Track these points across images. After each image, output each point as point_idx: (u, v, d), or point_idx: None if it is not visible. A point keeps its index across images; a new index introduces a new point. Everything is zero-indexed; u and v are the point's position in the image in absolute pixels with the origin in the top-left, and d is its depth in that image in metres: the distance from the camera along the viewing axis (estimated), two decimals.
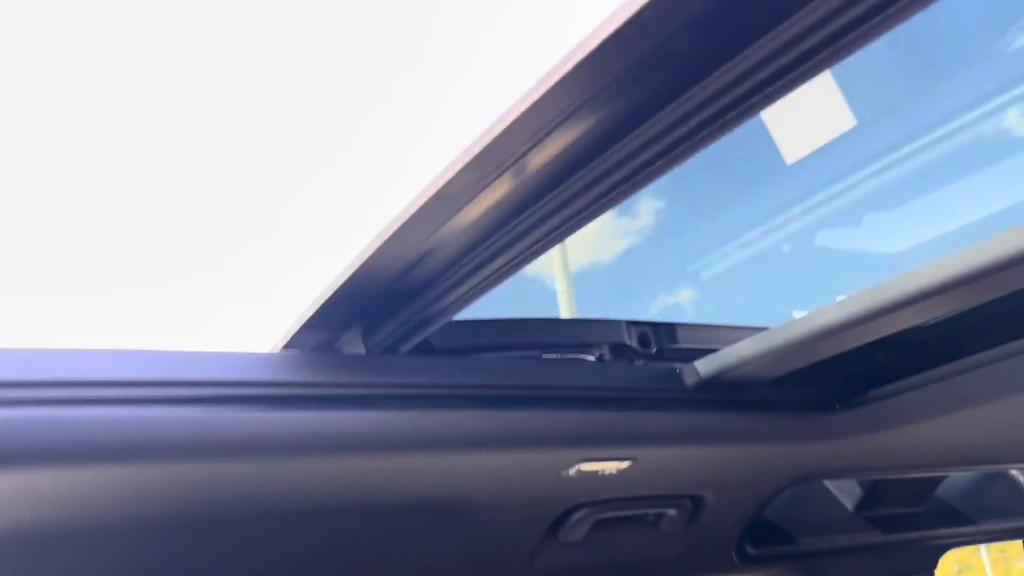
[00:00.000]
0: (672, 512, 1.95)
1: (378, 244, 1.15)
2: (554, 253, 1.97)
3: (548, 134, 0.95)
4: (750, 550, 2.19)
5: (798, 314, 1.53)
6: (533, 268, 1.85)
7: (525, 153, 0.97)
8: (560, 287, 1.90)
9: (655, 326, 1.70)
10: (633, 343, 1.66)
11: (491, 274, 1.23)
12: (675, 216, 1.86)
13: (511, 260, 1.21)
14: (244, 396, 1.23)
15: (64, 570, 1.28)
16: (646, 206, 1.81)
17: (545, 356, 1.58)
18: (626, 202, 1.19)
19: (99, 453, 1.11)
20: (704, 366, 1.61)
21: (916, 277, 1.31)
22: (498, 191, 1.02)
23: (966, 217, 1.97)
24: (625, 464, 1.63)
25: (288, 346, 1.32)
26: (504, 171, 0.99)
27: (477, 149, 0.92)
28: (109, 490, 1.18)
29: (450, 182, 0.97)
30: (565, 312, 1.95)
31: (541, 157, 0.98)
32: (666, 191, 1.81)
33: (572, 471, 1.59)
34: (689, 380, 1.62)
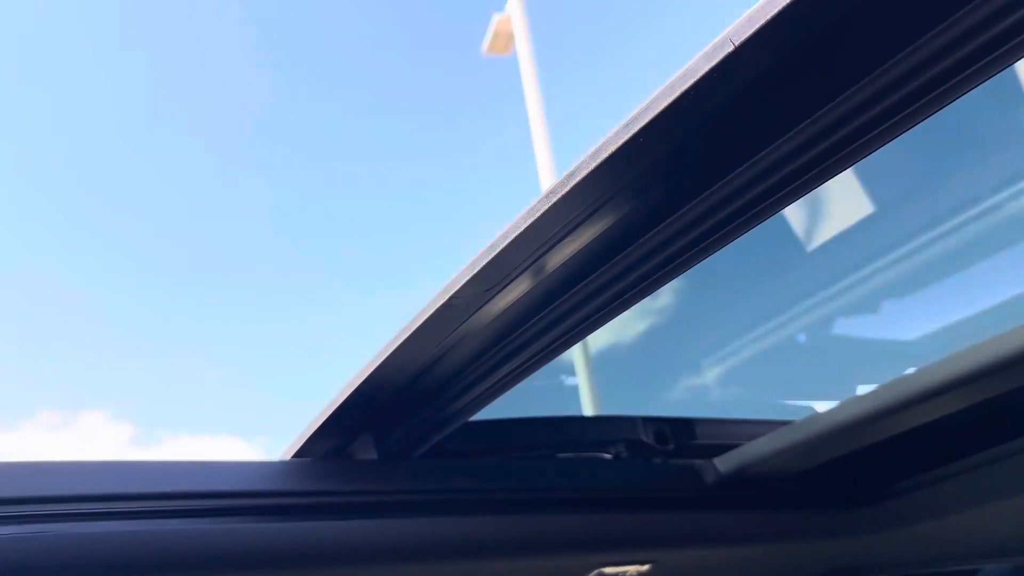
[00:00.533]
0: None
1: (389, 352, 1.15)
2: (575, 348, 1.96)
3: (558, 242, 0.94)
4: None
5: (819, 407, 1.49)
6: (556, 364, 1.83)
7: (536, 259, 0.96)
8: (581, 379, 1.88)
9: (672, 422, 1.66)
10: (650, 440, 1.62)
11: (502, 378, 1.21)
12: (692, 307, 1.84)
13: (523, 364, 1.20)
14: (253, 507, 1.20)
15: None
16: (662, 296, 1.80)
17: (560, 456, 1.55)
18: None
19: (110, 569, 1.09)
20: (723, 463, 1.57)
21: (942, 368, 1.28)
22: (506, 299, 1.02)
23: (985, 302, 1.94)
24: (646, 568, 1.57)
25: (299, 454, 1.30)
26: (512, 280, 0.99)
27: (483, 262, 0.92)
28: None
29: (457, 293, 0.96)
30: (586, 402, 1.93)
31: (552, 262, 0.97)
32: (682, 281, 1.80)
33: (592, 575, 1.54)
34: (708, 478, 1.58)
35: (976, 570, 2.47)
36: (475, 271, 0.92)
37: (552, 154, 5.61)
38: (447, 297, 0.96)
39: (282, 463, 1.29)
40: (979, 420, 1.75)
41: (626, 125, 0.79)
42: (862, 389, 1.44)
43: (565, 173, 0.83)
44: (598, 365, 1.83)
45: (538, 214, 0.85)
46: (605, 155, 0.80)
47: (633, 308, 1.13)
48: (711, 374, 1.89)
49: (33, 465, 1.12)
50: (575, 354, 2.05)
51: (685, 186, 0.90)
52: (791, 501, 1.68)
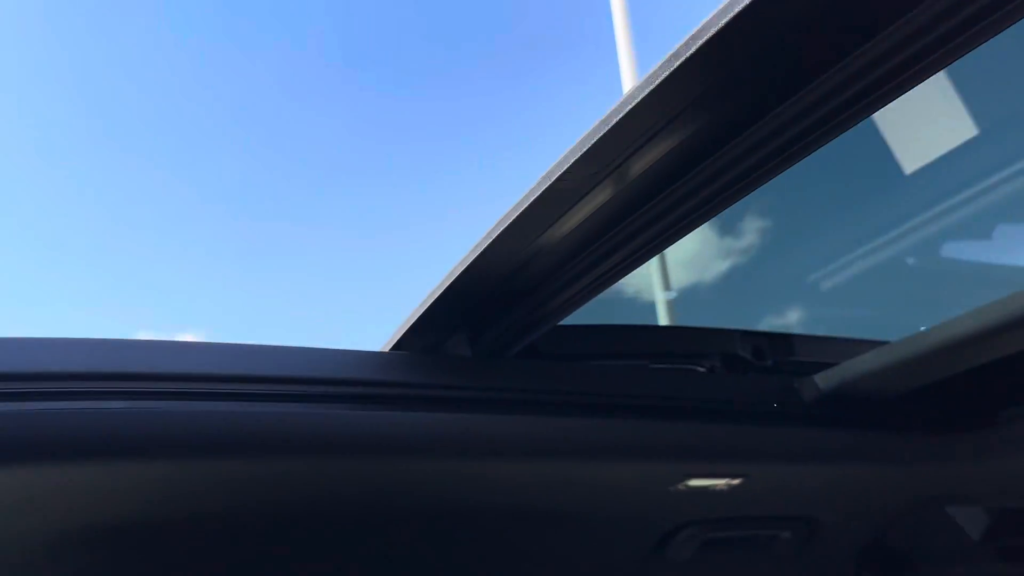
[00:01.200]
0: (785, 535, 1.86)
1: (486, 245, 1.14)
2: (655, 262, 1.93)
3: (658, 132, 0.92)
4: None
5: (924, 328, 1.44)
6: (636, 279, 1.80)
7: (650, 137, 0.93)
8: (661, 298, 1.85)
9: (770, 337, 1.62)
10: (747, 354, 1.59)
11: (599, 277, 1.20)
12: (791, 226, 1.79)
13: (620, 263, 1.18)
14: (351, 394, 1.23)
15: (176, 562, 1.30)
16: (760, 215, 1.75)
17: (653, 366, 1.53)
18: (740, 211, 1.15)
19: (209, 447, 1.13)
20: (824, 380, 1.53)
21: None
22: (607, 190, 0.99)
23: None
24: (737, 481, 1.56)
25: (397, 347, 1.31)
26: (613, 169, 0.96)
27: (589, 144, 0.90)
28: (216, 483, 1.19)
29: (564, 175, 0.94)
30: (670, 317, 1.90)
31: (651, 155, 0.95)
32: (783, 199, 1.75)
33: (680, 486, 1.53)
34: (807, 395, 1.55)
35: None
36: (586, 148, 0.90)
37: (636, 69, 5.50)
38: (554, 178, 0.94)
39: (380, 354, 1.31)
40: None
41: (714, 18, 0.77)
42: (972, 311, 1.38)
43: (686, 39, 0.80)
44: (693, 279, 1.80)
45: (658, 81, 0.82)
46: (708, 36, 0.78)
47: (733, 223, 1.10)
48: (811, 292, 1.84)
49: (143, 343, 1.16)
50: (656, 278, 2.02)
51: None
52: (890, 422, 1.63)
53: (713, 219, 1.16)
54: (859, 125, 0.95)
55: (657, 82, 0.84)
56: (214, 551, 1.31)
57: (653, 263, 1.96)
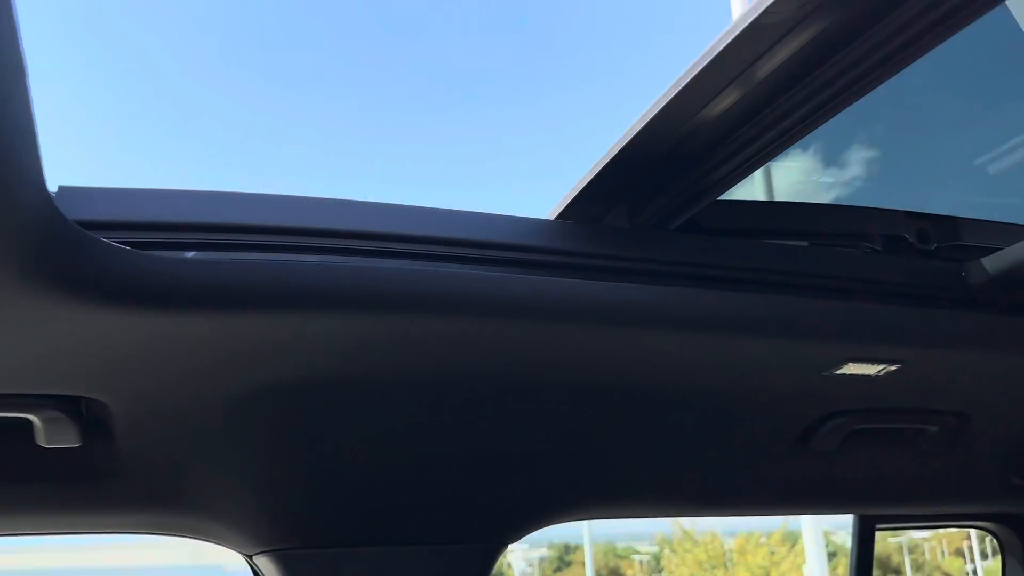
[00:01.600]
0: (933, 429, 1.82)
1: (652, 115, 1.13)
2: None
3: None
4: (1016, 481, 2.02)
5: None
6: (793, 159, 1.75)
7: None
8: (818, 179, 1.79)
9: (936, 219, 1.56)
10: (911, 236, 1.54)
11: (763, 148, 1.18)
12: (959, 105, 1.69)
13: (784, 134, 1.16)
14: (518, 260, 1.26)
15: (355, 416, 1.37)
16: (926, 92, 1.66)
17: (815, 244, 1.50)
18: (904, 87, 1.10)
19: (387, 303, 1.17)
20: (993, 264, 1.47)
21: None
22: (810, 27, 0.96)
23: None
24: (893, 367, 1.53)
25: (561, 216, 1.33)
26: (805, 17, 0.93)
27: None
28: (390, 340, 1.24)
29: (767, 11, 0.91)
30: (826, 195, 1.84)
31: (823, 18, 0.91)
32: (950, 77, 1.65)
33: (837, 371, 1.51)
34: (975, 279, 1.49)
35: None
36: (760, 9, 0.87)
37: None
38: (760, 12, 0.91)
39: (545, 221, 1.32)
40: None
41: None
42: None
43: None
44: (853, 158, 1.73)
45: None
46: None
47: (898, 99, 1.05)
48: (979, 175, 1.76)
49: (329, 201, 1.21)
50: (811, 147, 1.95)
51: None
52: None
53: (876, 94, 1.12)
54: None
55: None
56: (375, 411, 1.38)
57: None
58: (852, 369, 1.51)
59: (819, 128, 1.18)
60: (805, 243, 1.49)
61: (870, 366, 1.52)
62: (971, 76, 1.68)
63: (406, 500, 1.53)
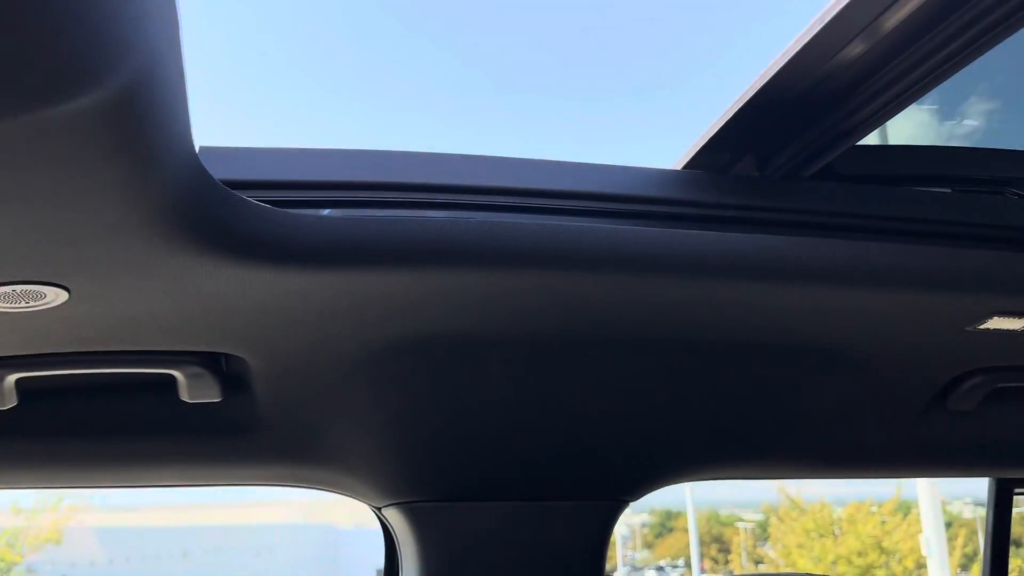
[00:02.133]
0: None
1: (784, 62, 1.08)
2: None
3: None
4: None
5: None
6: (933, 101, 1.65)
7: None
8: (953, 124, 1.69)
9: None
10: None
11: (905, 91, 1.11)
12: None
13: (926, 76, 1.09)
14: (645, 212, 1.23)
15: (451, 375, 1.37)
16: None
17: (960, 190, 1.42)
18: None
19: (516, 258, 1.17)
20: None
21: None
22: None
23: None
24: None
25: (689, 166, 1.29)
26: None
27: None
28: (518, 294, 1.24)
29: None
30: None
31: None
32: None
33: (980, 326, 1.43)
34: None
35: None
36: None
37: None
38: None
39: (673, 172, 1.29)
40: None
41: None
42: None
43: None
44: (994, 101, 1.63)
45: None
46: None
47: None
48: None
49: (475, 159, 1.22)
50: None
51: None
52: None
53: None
54: None
55: None
56: (503, 367, 1.38)
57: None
58: (997, 323, 1.43)
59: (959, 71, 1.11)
60: (947, 190, 1.41)
61: (1017, 320, 1.44)
62: None
63: (529, 457, 1.54)
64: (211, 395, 1.34)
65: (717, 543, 38.22)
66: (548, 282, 1.21)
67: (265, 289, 1.12)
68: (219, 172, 0.98)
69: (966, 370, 1.63)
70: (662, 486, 1.67)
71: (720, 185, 1.29)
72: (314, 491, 1.66)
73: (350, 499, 1.61)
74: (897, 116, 1.24)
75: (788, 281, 1.28)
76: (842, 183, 1.34)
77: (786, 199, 1.29)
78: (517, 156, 1.22)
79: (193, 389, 1.33)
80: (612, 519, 1.64)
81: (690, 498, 29.13)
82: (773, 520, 24.57)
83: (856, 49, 1.07)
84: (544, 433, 1.50)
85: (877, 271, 1.30)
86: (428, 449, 1.48)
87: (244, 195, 1.01)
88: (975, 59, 1.08)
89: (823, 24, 1.01)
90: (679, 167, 1.30)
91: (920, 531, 14.63)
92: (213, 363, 1.30)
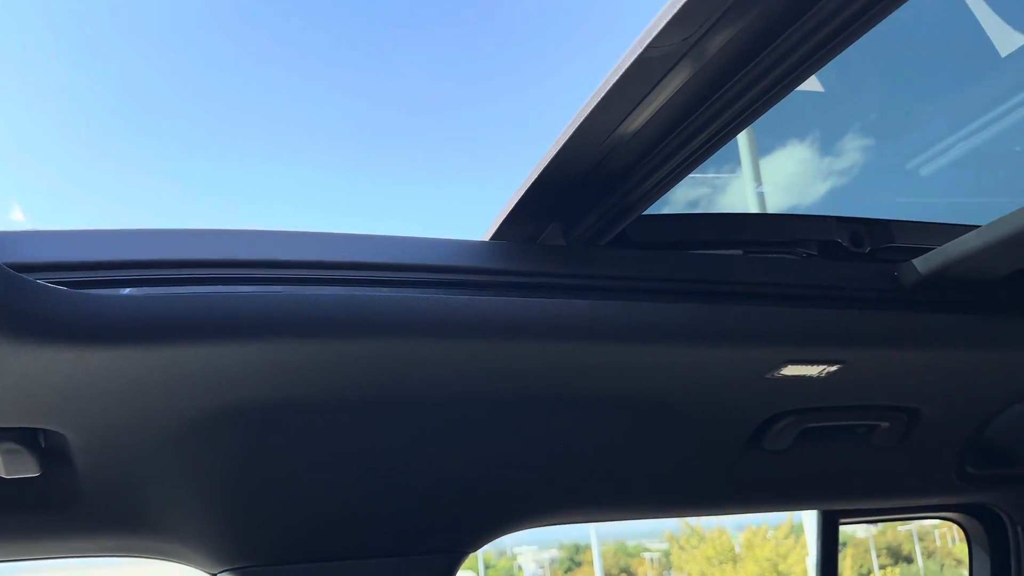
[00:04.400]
0: (885, 425, 1.87)
1: (574, 129, 1.17)
2: (747, 152, 1.90)
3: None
4: (971, 470, 2.06)
5: None
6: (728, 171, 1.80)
7: (722, 15, 0.93)
8: (752, 189, 1.84)
9: (868, 223, 1.61)
10: (844, 241, 1.58)
11: (684, 160, 1.21)
12: (886, 112, 1.73)
13: (703, 144, 1.19)
14: (454, 281, 1.30)
15: (285, 440, 1.41)
16: (854, 102, 1.71)
17: (749, 254, 1.55)
18: (833, 97, 1.14)
19: (328, 328, 1.22)
20: (924, 264, 1.52)
21: None
22: (697, 59, 1.00)
23: None
24: (834, 368, 1.57)
25: (495, 237, 1.37)
26: (703, 35, 0.97)
27: (676, 7, 0.90)
28: (332, 364, 1.29)
29: (654, 42, 0.95)
30: (760, 204, 1.89)
31: (740, 21, 0.94)
32: (876, 86, 1.70)
33: (778, 373, 1.55)
34: (907, 279, 1.54)
35: None
36: (675, 12, 0.90)
37: None
38: (644, 47, 0.96)
39: (481, 243, 1.37)
40: None
41: None
42: None
43: None
44: (786, 169, 1.78)
45: None
46: None
47: (827, 109, 1.09)
48: (909, 178, 1.80)
49: (284, 235, 1.27)
50: (745, 148, 1.99)
51: None
52: (995, 307, 1.60)
53: (806, 101, 1.16)
54: (952, 8, 0.93)
55: None
56: (329, 429, 1.43)
57: (745, 153, 1.95)
58: (792, 371, 1.56)
59: (762, 141, 1.22)
60: (739, 252, 1.54)
61: (811, 367, 1.57)
62: (901, 81, 1.73)
63: (365, 514, 1.58)
64: (29, 470, 1.34)
65: (625, 574, 38.55)
66: (359, 349, 1.27)
67: (73, 368, 1.13)
68: (8, 256, 1.00)
69: (775, 413, 1.75)
70: (498, 536, 1.73)
71: (526, 253, 1.37)
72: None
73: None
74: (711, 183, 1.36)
75: (595, 341, 1.38)
76: (643, 249, 1.45)
77: (587, 266, 1.39)
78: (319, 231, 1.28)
79: (9, 465, 1.32)
80: (452, 570, 1.69)
81: (594, 532, 29.37)
82: (675, 549, 25.01)
83: (629, 128, 1.16)
84: (374, 490, 1.55)
85: (674, 329, 1.41)
86: (259, 513, 1.50)
87: (39, 278, 1.04)
88: (738, 133, 1.20)
89: (593, 107, 1.10)
90: (487, 238, 1.38)
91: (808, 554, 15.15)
92: (30, 438, 1.30)
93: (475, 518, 1.69)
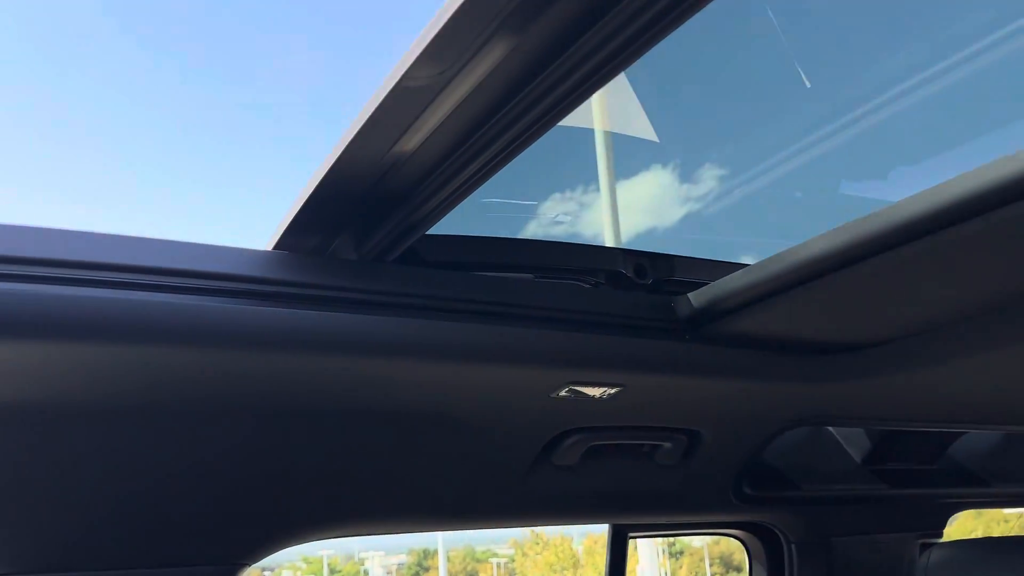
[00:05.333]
0: (667, 445, 1.97)
1: (343, 148, 1.17)
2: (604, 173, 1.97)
3: (502, 25, 0.92)
4: (748, 490, 2.21)
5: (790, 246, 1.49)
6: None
7: (496, 30, 0.94)
8: (553, 217, 1.91)
9: (652, 257, 1.70)
10: (629, 272, 1.67)
11: (465, 182, 1.23)
12: (673, 151, 1.85)
13: (483, 167, 1.21)
14: (232, 290, 1.28)
15: (48, 445, 1.36)
16: (642, 141, 1.81)
17: (539, 279, 1.61)
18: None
19: (91, 331, 1.19)
20: (697, 298, 1.62)
21: (918, 201, 1.25)
22: (459, 90, 1.03)
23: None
24: (614, 390, 1.65)
25: (279, 246, 1.37)
26: (461, 67, 0.99)
27: (432, 35, 0.92)
28: (98, 368, 1.25)
29: (409, 74, 0.98)
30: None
31: (498, 52, 0.97)
32: (663, 125, 1.81)
33: (562, 392, 1.62)
34: (683, 312, 1.63)
35: (958, 434, 2.53)
36: (424, 47, 0.93)
37: None
38: (400, 77, 0.98)
39: (262, 252, 1.36)
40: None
41: None
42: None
43: None
44: (585, 200, 1.87)
45: None
46: None
47: (624, 146, 1.14)
48: (697, 216, 1.92)
49: (28, 228, 1.21)
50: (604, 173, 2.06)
51: None
52: (765, 342, 1.72)
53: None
54: (726, 58, 0.99)
55: None
56: (82, 435, 1.38)
57: (604, 179, 2.01)
58: (577, 391, 1.63)
59: (558, 170, 1.26)
60: (530, 276, 1.60)
61: (593, 389, 1.65)
62: (687, 122, 1.84)
63: (133, 524, 1.53)
64: None
65: None
66: (127, 355, 1.24)
67: None
68: None
69: (563, 430, 1.83)
70: (277, 549, 1.71)
71: (308, 266, 1.37)
72: None
73: None
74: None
75: (379, 357, 1.39)
76: (433, 268, 1.48)
77: (372, 281, 1.40)
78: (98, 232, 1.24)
79: None
80: None
81: (440, 538, 29.39)
82: (519, 555, 25.37)
83: (406, 147, 1.17)
84: (143, 499, 1.51)
85: (461, 348, 1.44)
86: (22, 520, 1.44)
87: None
88: (517, 155, 1.22)
89: (360, 128, 1.09)
90: (270, 247, 1.37)
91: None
92: None
93: (249, 531, 1.66)
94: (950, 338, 1.73)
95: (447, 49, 0.94)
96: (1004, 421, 2.36)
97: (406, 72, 0.96)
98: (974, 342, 1.74)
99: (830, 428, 2.40)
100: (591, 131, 1.92)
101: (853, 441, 2.41)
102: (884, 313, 1.64)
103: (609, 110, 1.91)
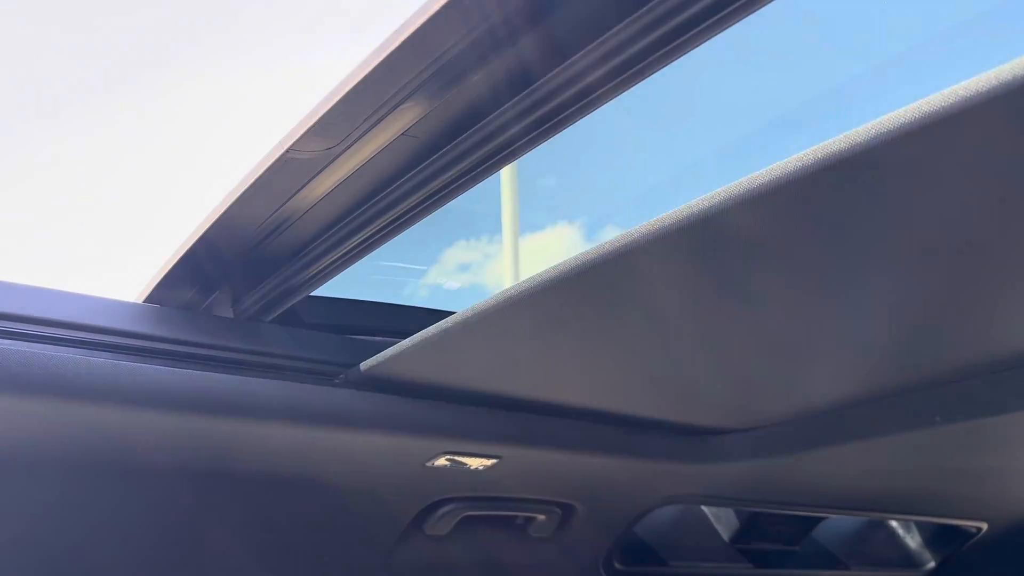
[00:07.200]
0: (541, 517, 1.98)
1: (228, 205, 1.16)
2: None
3: (397, 106, 0.93)
4: (618, 566, 2.22)
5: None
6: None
7: (386, 113, 0.95)
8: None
9: None
10: None
11: (349, 251, 1.24)
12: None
13: (368, 239, 1.22)
14: (95, 342, 1.24)
15: None
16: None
17: None
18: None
19: None
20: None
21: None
22: (347, 164, 1.04)
23: None
24: (490, 462, 1.66)
25: (150, 300, 1.33)
26: (359, 137, 0.99)
27: (323, 111, 0.93)
28: None
29: (296, 146, 0.98)
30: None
31: (390, 131, 0.98)
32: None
33: (437, 462, 1.61)
34: None
35: (821, 518, 2.63)
36: (313, 123, 0.93)
37: None
38: (286, 148, 0.98)
39: (133, 304, 1.32)
40: None
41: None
42: None
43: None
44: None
45: (382, 56, 0.84)
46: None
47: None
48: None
49: None
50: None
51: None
52: (638, 420, 1.76)
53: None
54: None
55: (390, 50, 0.84)
56: None
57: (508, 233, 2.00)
58: (448, 460, 1.62)
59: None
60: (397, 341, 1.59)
61: (469, 459, 1.64)
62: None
63: None
64: None
65: None
66: None
67: None
68: None
69: (436, 500, 1.81)
70: None
71: (179, 321, 1.34)
72: None
73: None
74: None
75: (248, 418, 1.36)
76: (310, 330, 1.46)
77: (248, 341, 1.38)
78: None
79: None
80: None
81: None
82: None
83: (291, 212, 1.17)
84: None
85: (335, 412, 1.43)
86: None
87: None
88: (407, 229, 1.23)
89: (242, 193, 1.09)
90: (140, 300, 1.34)
91: None
92: None
93: None
94: (816, 427, 1.81)
95: (335, 126, 0.94)
96: (865, 508, 2.47)
97: (293, 144, 0.96)
98: (838, 431, 1.82)
99: (702, 507, 2.45)
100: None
101: (722, 520, 2.47)
102: (754, 400, 1.71)
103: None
